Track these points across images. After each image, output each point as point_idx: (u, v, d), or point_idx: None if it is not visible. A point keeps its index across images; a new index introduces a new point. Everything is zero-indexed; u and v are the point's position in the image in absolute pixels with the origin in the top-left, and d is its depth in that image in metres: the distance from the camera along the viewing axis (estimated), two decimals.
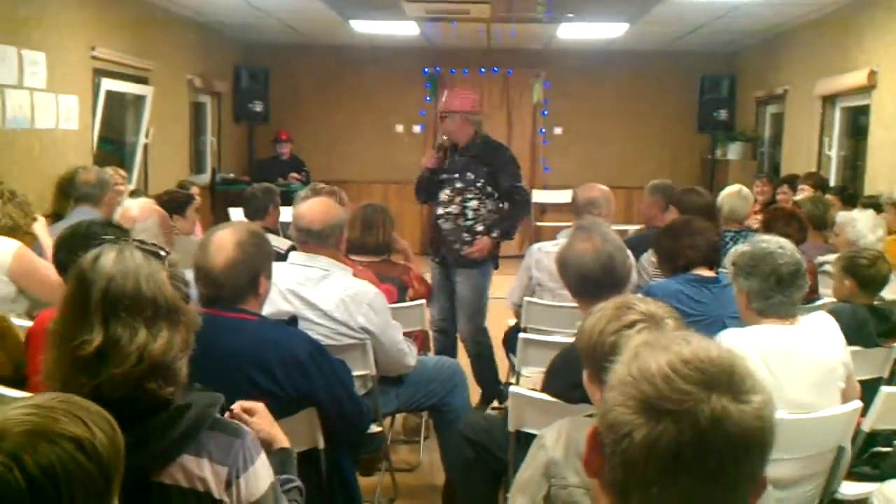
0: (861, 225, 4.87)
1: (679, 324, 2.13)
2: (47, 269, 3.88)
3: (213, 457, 1.84)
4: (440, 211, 5.55)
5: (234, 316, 2.72)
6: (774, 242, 3.06)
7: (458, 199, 5.48)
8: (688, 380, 1.18)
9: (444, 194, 5.51)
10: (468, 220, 5.48)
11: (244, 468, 1.87)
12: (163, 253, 1.94)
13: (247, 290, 2.77)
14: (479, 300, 5.56)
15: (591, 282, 3.11)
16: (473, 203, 5.47)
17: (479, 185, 5.46)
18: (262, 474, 1.92)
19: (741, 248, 3.16)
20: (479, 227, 5.47)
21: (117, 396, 1.75)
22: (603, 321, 2.13)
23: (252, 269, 2.77)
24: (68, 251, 2.88)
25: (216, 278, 2.72)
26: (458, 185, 5.47)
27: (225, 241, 2.77)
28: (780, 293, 2.97)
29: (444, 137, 5.61)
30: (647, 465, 1.18)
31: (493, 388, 5.53)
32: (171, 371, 1.84)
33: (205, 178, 10.32)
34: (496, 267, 5.69)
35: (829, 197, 6.16)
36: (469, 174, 5.45)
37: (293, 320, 3.10)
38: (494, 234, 5.49)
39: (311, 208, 3.66)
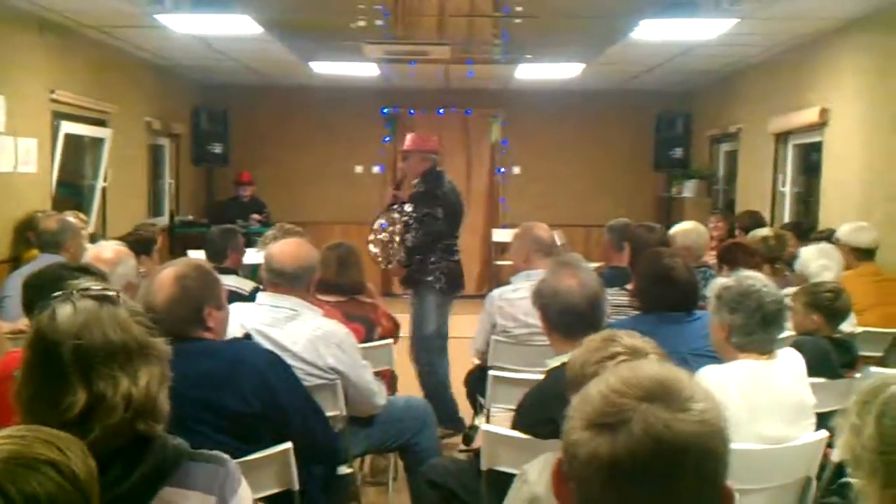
0: (806, 257, 5.01)
1: (662, 358, 2.15)
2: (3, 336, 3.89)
3: (199, 486, 1.84)
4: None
5: (190, 340, 2.73)
6: (759, 280, 3.07)
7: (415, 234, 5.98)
8: (623, 395, 1.23)
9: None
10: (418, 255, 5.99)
11: (231, 495, 1.87)
12: (112, 293, 1.92)
13: (192, 323, 2.77)
14: (421, 320, 6.01)
15: (577, 317, 3.10)
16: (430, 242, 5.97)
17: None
18: (246, 500, 1.92)
19: (725, 281, 3.17)
20: (433, 258, 5.98)
21: (113, 449, 1.73)
22: (587, 352, 2.16)
23: (195, 300, 2.78)
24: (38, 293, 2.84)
25: (159, 316, 2.70)
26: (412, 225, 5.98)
27: (164, 278, 2.80)
28: (762, 331, 3.00)
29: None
30: (591, 478, 1.21)
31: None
32: (156, 408, 1.83)
33: (163, 220, 10.24)
34: (445, 293, 6.08)
35: (784, 232, 6.27)
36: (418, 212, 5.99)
37: (247, 338, 3.12)
38: (401, 258, 6.08)
39: (283, 250, 3.66)
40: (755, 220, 7.21)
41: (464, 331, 5.63)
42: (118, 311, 1.86)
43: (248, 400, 2.70)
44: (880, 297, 5.14)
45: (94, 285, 1.97)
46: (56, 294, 1.90)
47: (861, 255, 5.51)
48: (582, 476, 1.22)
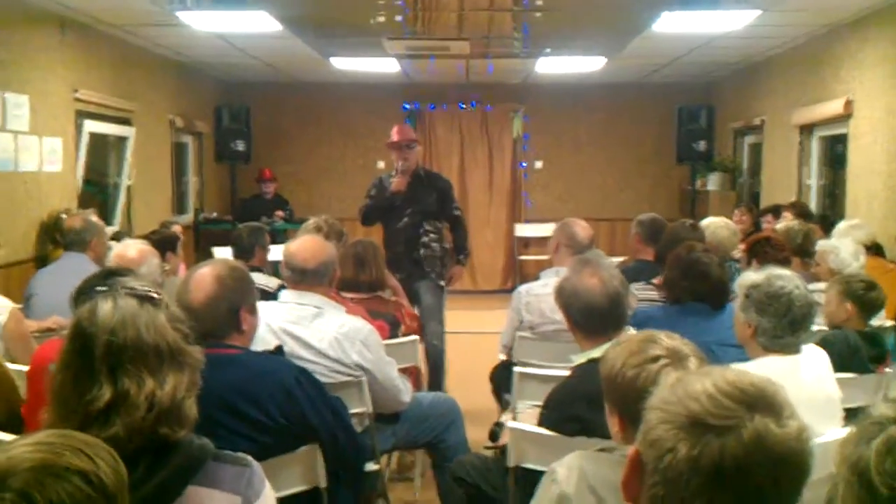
0: (844, 254, 4.91)
1: (702, 362, 2.12)
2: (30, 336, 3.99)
3: (225, 487, 1.85)
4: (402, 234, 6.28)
5: (218, 352, 2.71)
6: (790, 281, 3.01)
7: (416, 221, 6.28)
8: (732, 398, 1.23)
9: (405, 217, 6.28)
10: (424, 239, 6.30)
11: (256, 496, 1.89)
12: (156, 296, 1.94)
13: (228, 324, 2.78)
14: (441, 304, 6.37)
15: (598, 316, 3.07)
16: (426, 225, 6.31)
17: (431, 209, 6.31)
18: (270, 501, 1.94)
19: (754, 278, 3.10)
20: (434, 245, 6.32)
21: (133, 448, 1.74)
22: (625, 353, 2.12)
23: (231, 302, 2.78)
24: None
25: (196, 314, 2.71)
26: (417, 208, 6.26)
27: (204, 277, 2.80)
28: (790, 334, 2.97)
29: (401, 165, 6.31)
30: (689, 480, 1.20)
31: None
32: (181, 413, 1.84)
33: (188, 217, 10.30)
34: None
35: (811, 225, 6.21)
36: (424, 199, 6.29)
37: (278, 350, 3.11)
38: (461, 258, 6.52)
39: (303, 247, 3.66)
40: (802, 210, 7.17)
41: (488, 326, 5.64)
42: (157, 313, 1.88)
43: (273, 414, 2.70)
44: (889, 290, 5.09)
45: (141, 285, 1.99)
46: (102, 288, 1.93)
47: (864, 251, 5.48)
48: (673, 474, 1.22)
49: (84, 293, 2.99)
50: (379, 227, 6.63)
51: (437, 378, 6.25)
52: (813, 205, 8.33)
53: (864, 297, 3.94)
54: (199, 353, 1.95)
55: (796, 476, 1.23)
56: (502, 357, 4.92)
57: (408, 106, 12.07)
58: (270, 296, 4.27)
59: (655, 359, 2.07)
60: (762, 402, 1.23)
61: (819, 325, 4.17)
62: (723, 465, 1.18)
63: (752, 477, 1.19)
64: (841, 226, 5.74)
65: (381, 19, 7.60)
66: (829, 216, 7.43)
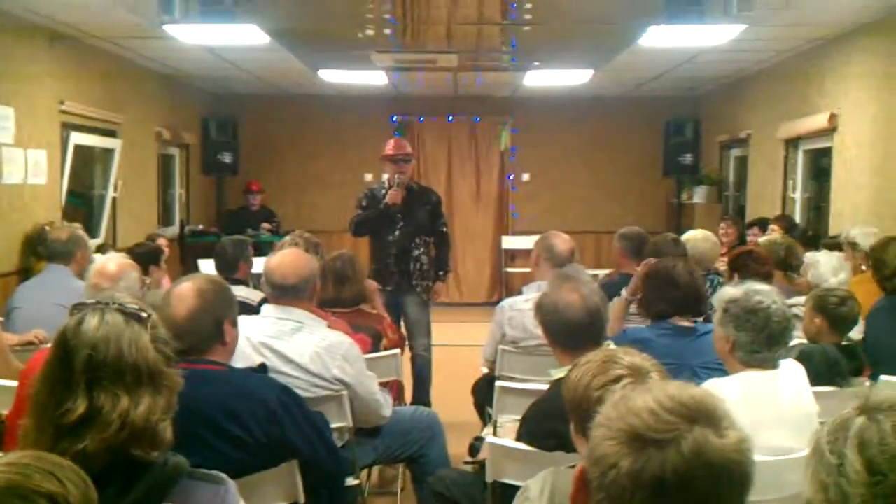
0: (823, 268, 4.90)
1: (663, 375, 2.13)
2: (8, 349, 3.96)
3: None
4: (393, 247, 6.22)
5: (202, 367, 2.71)
6: (768, 296, 3.02)
7: (409, 234, 6.24)
8: (672, 412, 1.25)
9: (397, 230, 6.23)
10: (415, 253, 6.27)
11: None
12: (144, 315, 1.94)
13: (212, 338, 2.78)
14: (428, 318, 6.37)
15: (577, 333, 3.08)
16: (418, 239, 6.28)
17: (423, 223, 6.31)
18: None
19: (733, 293, 3.11)
20: (424, 259, 6.30)
21: (102, 466, 1.74)
22: (589, 375, 2.13)
23: (215, 316, 2.79)
24: None
25: (179, 329, 2.71)
26: (410, 221, 6.23)
27: (185, 291, 2.80)
28: (767, 349, 2.98)
29: (397, 178, 6.24)
30: (633, 494, 1.22)
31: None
32: (155, 435, 1.84)
33: (173, 230, 10.28)
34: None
35: (792, 239, 6.22)
36: (417, 213, 6.28)
37: (262, 368, 3.10)
38: (442, 275, 6.47)
39: (282, 262, 3.66)
40: (789, 224, 7.20)
41: (475, 338, 5.65)
42: (142, 332, 1.89)
43: (253, 432, 2.69)
44: None
45: (131, 302, 1.99)
46: (94, 301, 1.94)
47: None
48: (617, 490, 1.23)
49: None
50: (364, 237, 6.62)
51: (422, 391, 6.26)
52: (798, 218, 8.36)
53: (835, 313, 3.94)
54: (178, 377, 1.95)
55: (737, 486, 1.25)
56: (485, 370, 4.92)
57: (396, 118, 12.08)
58: (253, 309, 4.26)
59: (618, 378, 2.08)
60: (701, 414, 1.25)
61: (799, 339, 4.18)
62: (664, 479, 1.20)
63: (694, 489, 1.21)
64: (857, 232, 5.66)
65: (371, 33, 7.63)
66: (809, 230, 7.43)
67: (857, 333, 4.45)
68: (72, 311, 2.45)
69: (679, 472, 1.20)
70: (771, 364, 3.01)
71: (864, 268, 5.52)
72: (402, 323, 6.26)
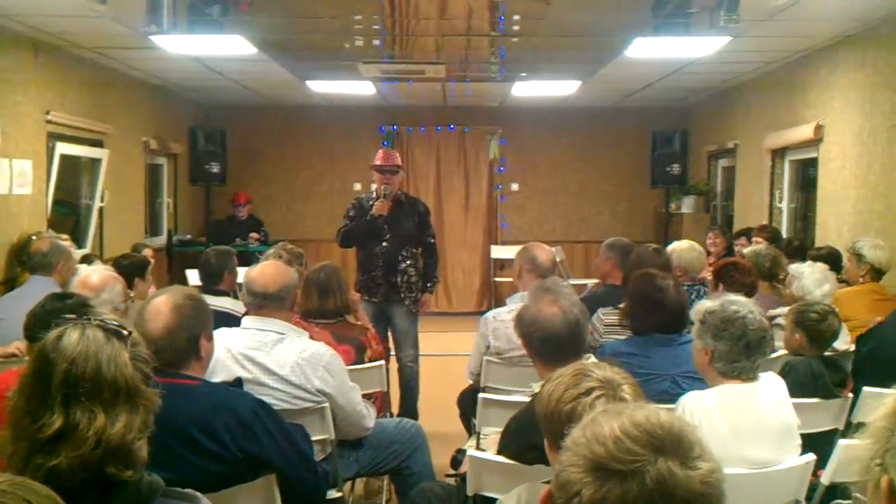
0: (807, 280, 4.90)
1: (636, 390, 2.13)
2: None
3: None
4: (380, 258, 6.20)
5: (176, 381, 2.70)
6: (745, 307, 3.03)
7: (396, 245, 6.21)
8: (637, 442, 1.22)
9: (384, 241, 6.21)
10: (402, 265, 6.23)
11: None
12: (125, 332, 1.93)
13: (188, 353, 2.77)
14: (416, 329, 6.37)
15: (556, 346, 3.06)
16: (405, 251, 6.25)
17: (411, 235, 6.29)
18: None
19: (709, 304, 3.12)
20: (412, 271, 6.25)
21: (76, 483, 1.73)
22: (560, 389, 2.12)
23: (191, 331, 2.78)
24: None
25: (155, 345, 2.69)
26: (397, 232, 6.21)
27: (161, 306, 2.79)
28: (745, 359, 2.98)
29: (384, 189, 6.23)
30: None
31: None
32: (130, 454, 1.82)
33: (161, 240, 10.25)
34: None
35: (777, 249, 6.22)
36: (404, 224, 6.25)
37: (237, 382, 3.09)
38: (429, 286, 6.41)
39: (263, 272, 3.66)
40: (773, 234, 7.21)
41: (463, 348, 5.62)
42: (122, 350, 1.87)
43: (228, 446, 2.69)
44: (877, 317, 5.09)
45: (112, 319, 1.97)
46: (75, 316, 1.93)
47: (873, 273, 5.48)
48: None
49: (38, 318, 2.97)
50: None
51: (410, 402, 6.25)
52: (784, 228, 8.39)
53: (814, 329, 3.95)
54: (156, 396, 1.94)
55: None
56: (470, 382, 4.91)
57: (384, 128, 12.08)
58: (238, 321, 4.24)
59: (589, 391, 2.08)
60: (669, 444, 1.22)
61: (781, 351, 4.19)
62: None
63: None
64: (865, 243, 5.60)
65: (359, 43, 7.63)
66: (794, 241, 7.43)
67: (843, 344, 4.46)
68: (54, 325, 2.44)
69: None
70: (750, 375, 3.01)
71: (861, 279, 5.53)
72: (388, 334, 6.25)
